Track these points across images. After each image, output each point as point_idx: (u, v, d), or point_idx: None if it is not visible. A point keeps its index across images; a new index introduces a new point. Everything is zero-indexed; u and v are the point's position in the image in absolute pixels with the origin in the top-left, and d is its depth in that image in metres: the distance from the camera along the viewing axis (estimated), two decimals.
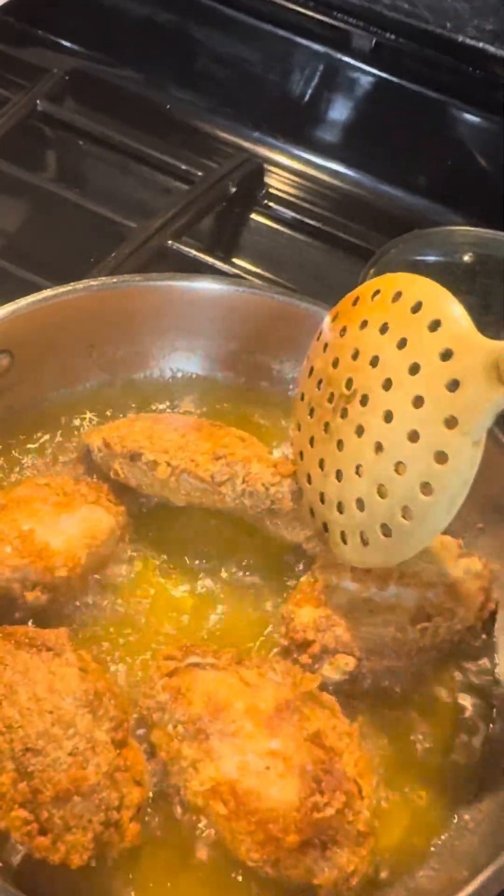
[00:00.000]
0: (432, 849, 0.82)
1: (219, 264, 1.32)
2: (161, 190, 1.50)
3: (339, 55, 1.51)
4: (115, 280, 0.99)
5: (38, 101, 1.48)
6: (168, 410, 1.05)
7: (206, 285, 1.03)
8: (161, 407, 1.06)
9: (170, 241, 1.31)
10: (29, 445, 0.99)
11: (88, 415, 1.03)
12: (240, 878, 0.77)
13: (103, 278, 0.99)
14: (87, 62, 1.63)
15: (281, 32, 1.52)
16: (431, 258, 1.47)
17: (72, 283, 0.96)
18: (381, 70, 1.51)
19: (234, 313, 1.04)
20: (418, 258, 1.45)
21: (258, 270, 1.41)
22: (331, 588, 0.92)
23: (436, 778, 0.87)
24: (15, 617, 0.86)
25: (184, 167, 1.49)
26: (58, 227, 1.38)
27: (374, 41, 1.48)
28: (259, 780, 0.76)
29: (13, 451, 0.98)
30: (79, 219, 1.36)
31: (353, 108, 1.57)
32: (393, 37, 1.46)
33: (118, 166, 1.52)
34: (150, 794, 0.78)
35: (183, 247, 1.32)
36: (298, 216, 1.52)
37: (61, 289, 0.96)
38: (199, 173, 1.46)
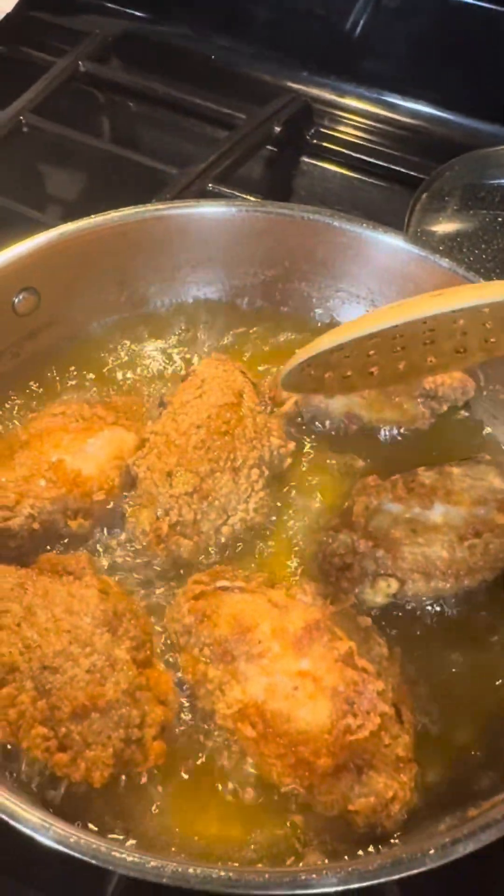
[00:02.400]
0: (480, 784, 0.76)
1: None
2: (209, 140, 1.47)
3: None
4: (133, 210, 0.96)
5: (80, 63, 1.48)
6: (200, 336, 1.03)
7: (231, 210, 0.99)
8: (197, 335, 1.04)
9: (211, 185, 1.28)
10: (69, 383, 0.98)
11: (123, 346, 1.02)
12: (276, 800, 0.73)
13: (124, 209, 0.97)
14: (130, 21, 1.62)
15: None
16: (494, 181, 1.37)
17: (91, 216, 0.95)
18: None
19: (264, 238, 1.00)
20: (478, 181, 1.36)
21: None
22: (370, 510, 0.87)
23: (487, 708, 0.80)
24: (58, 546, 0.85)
25: (229, 114, 1.45)
26: (104, 181, 1.38)
27: None
28: (287, 702, 0.72)
29: (50, 390, 0.98)
30: (124, 172, 1.35)
31: (404, 34, 1.48)
32: None
33: (165, 120, 1.50)
34: (179, 716, 0.75)
35: (225, 188, 1.28)
36: (351, 153, 1.45)
37: (82, 222, 0.95)
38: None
